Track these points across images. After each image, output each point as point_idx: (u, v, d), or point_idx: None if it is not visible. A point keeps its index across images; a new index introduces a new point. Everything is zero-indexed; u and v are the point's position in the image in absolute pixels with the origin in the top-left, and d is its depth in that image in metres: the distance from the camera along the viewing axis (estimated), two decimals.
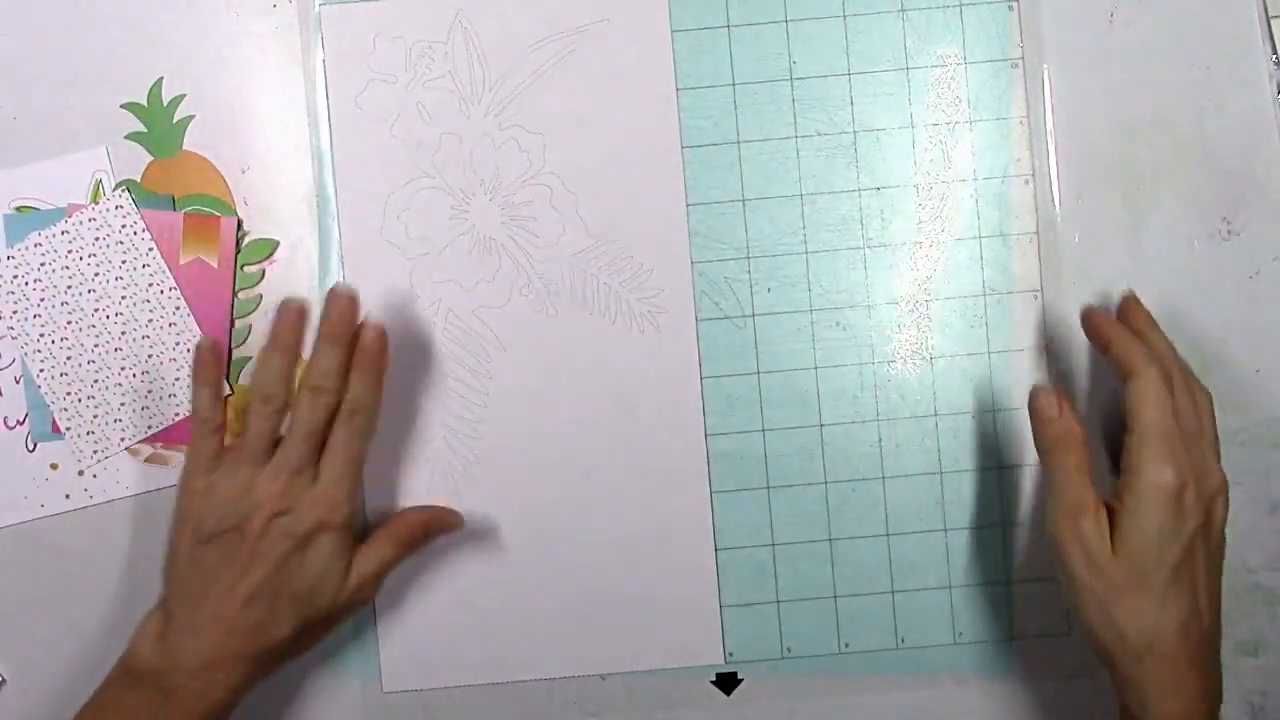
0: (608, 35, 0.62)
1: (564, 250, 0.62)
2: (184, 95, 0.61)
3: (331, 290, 0.56)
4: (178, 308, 0.60)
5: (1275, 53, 0.62)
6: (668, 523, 0.62)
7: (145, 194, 0.61)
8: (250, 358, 0.61)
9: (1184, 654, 0.50)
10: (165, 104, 0.61)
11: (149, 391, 0.61)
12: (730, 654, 0.62)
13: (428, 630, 0.62)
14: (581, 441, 0.62)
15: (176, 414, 0.61)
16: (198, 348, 0.57)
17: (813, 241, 0.62)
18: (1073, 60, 0.62)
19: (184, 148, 0.61)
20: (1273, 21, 0.62)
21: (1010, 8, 0.62)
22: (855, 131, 0.62)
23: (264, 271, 0.61)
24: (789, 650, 0.62)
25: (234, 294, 0.61)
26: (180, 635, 0.54)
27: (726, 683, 0.63)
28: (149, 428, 0.61)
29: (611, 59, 0.62)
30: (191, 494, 0.55)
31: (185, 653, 0.53)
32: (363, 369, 0.55)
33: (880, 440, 0.63)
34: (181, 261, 0.60)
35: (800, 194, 0.62)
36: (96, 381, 0.60)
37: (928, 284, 0.62)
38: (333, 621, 0.57)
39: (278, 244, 0.61)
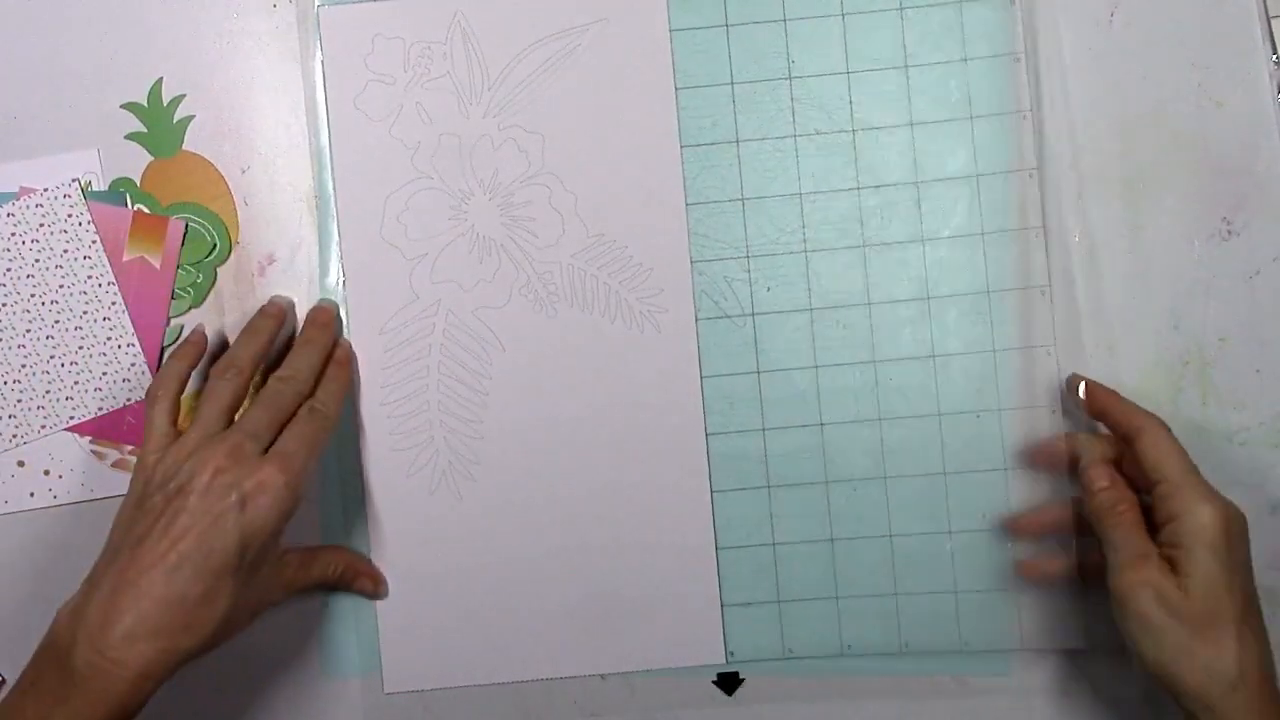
0: (606, 35, 0.62)
1: (563, 250, 0.62)
2: (184, 95, 0.61)
3: (316, 304, 0.60)
4: (114, 303, 0.60)
5: (1275, 52, 0.62)
6: (668, 522, 0.62)
7: (142, 194, 0.61)
8: None
9: (1268, 683, 0.51)
10: (165, 104, 0.61)
11: (75, 382, 0.61)
12: (732, 654, 0.62)
13: (428, 630, 0.62)
14: (581, 441, 0.62)
15: (100, 408, 0.61)
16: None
17: (813, 240, 0.62)
18: (1072, 58, 0.62)
19: (184, 148, 0.61)
20: (1273, 21, 0.62)
21: (1011, 3, 0.62)
22: (854, 130, 0.62)
23: (215, 271, 0.62)
24: (790, 651, 0.62)
25: (172, 295, 0.61)
26: (97, 606, 0.49)
27: (728, 683, 0.63)
28: (70, 418, 0.61)
29: (610, 58, 0.62)
30: (144, 465, 0.54)
31: (97, 626, 0.48)
32: (332, 379, 0.58)
33: (882, 440, 0.62)
34: (125, 258, 0.60)
35: (800, 193, 0.62)
36: (24, 366, 0.61)
37: (929, 281, 0.62)
38: (256, 601, 0.54)
39: (215, 245, 0.61)
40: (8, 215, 0.60)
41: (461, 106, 0.62)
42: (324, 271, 0.62)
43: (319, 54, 0.62)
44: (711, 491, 0.62)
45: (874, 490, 0.62)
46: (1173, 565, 0.52)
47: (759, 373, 0.63)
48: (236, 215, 0.61)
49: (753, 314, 0.63)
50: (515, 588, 0.62)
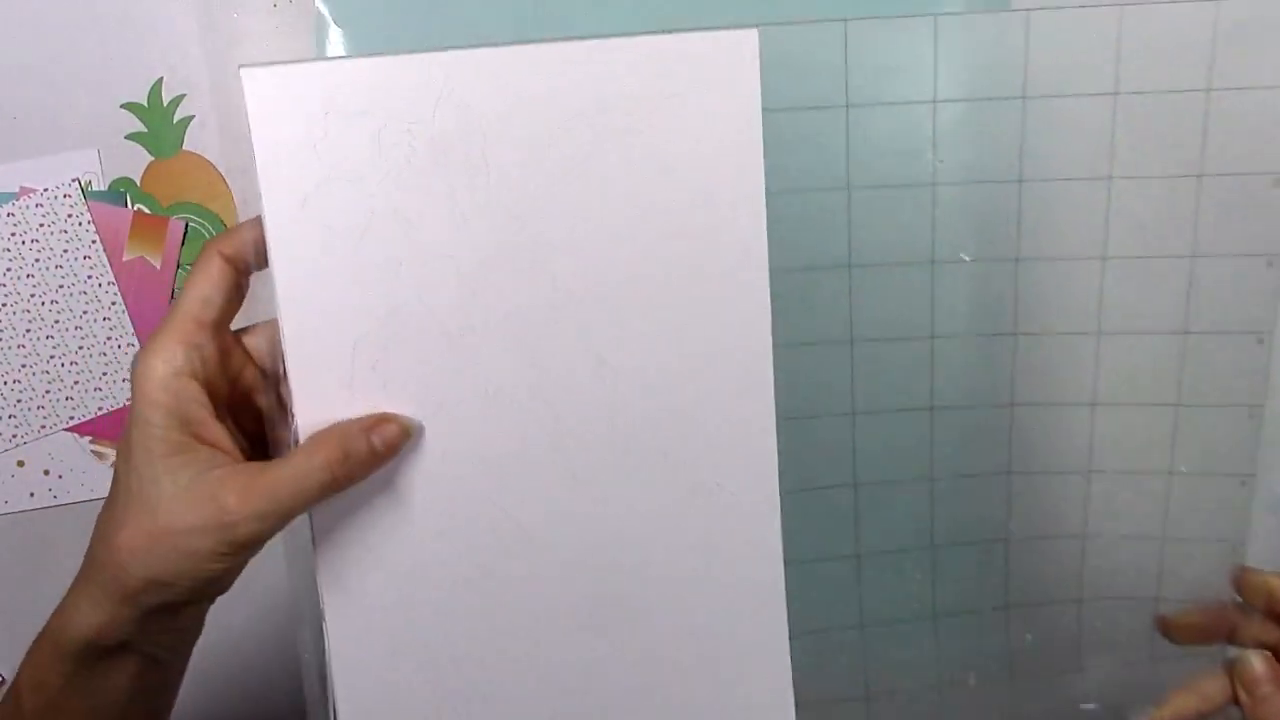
0: (670, 114, 0.42)
1: (603, 408, 0.45)
2: (184, 95, 0.60)
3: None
4: (114, 303, 0.60)
5: None
6: None
7: (142, 194, 0.60)
8: None
9: None
10: (165, 104, 0.60)
11: (75, 382, 0.61)
12: None
13: None
14: (628, 665, 0.48)
15: (100, 408, 0.61)
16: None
17: (942, 393, 0.46)
18: None
19: (184, 148, 0.60)
20: None
21: None
22: (1019, 259, 0.44)
23: None
24: None
25: (172, 295, 0.60)
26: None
27: None
28: (70, 418, 0.61)
29: (674, 149, 0.43)
30: None
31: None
32: None
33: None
34: (125, 258, 0.60)
35: (931, 335, 0.45)
36: (24, 366, 0.61)
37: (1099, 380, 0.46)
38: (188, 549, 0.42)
39: None
40: (8, 215, 0.60)
41: (458, 213, 0.43)
42: None
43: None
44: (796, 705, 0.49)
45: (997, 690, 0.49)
46: None
47: (859, 556, 0.48)
48: (236, 215, 0.60)
49: (854, 484, 0.47)
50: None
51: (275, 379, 0.45)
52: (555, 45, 0.43)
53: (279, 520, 0.42)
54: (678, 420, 0.46)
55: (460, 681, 0.48)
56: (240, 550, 0.42)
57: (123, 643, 0.44)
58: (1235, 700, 0.51)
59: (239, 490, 0.42)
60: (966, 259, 0.45)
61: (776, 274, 0.44)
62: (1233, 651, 0.51)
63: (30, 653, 0.45)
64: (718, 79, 0.43)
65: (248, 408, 0.47)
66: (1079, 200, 0.45)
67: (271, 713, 0.64)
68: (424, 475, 0.46)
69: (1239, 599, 0.50)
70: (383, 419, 0.44)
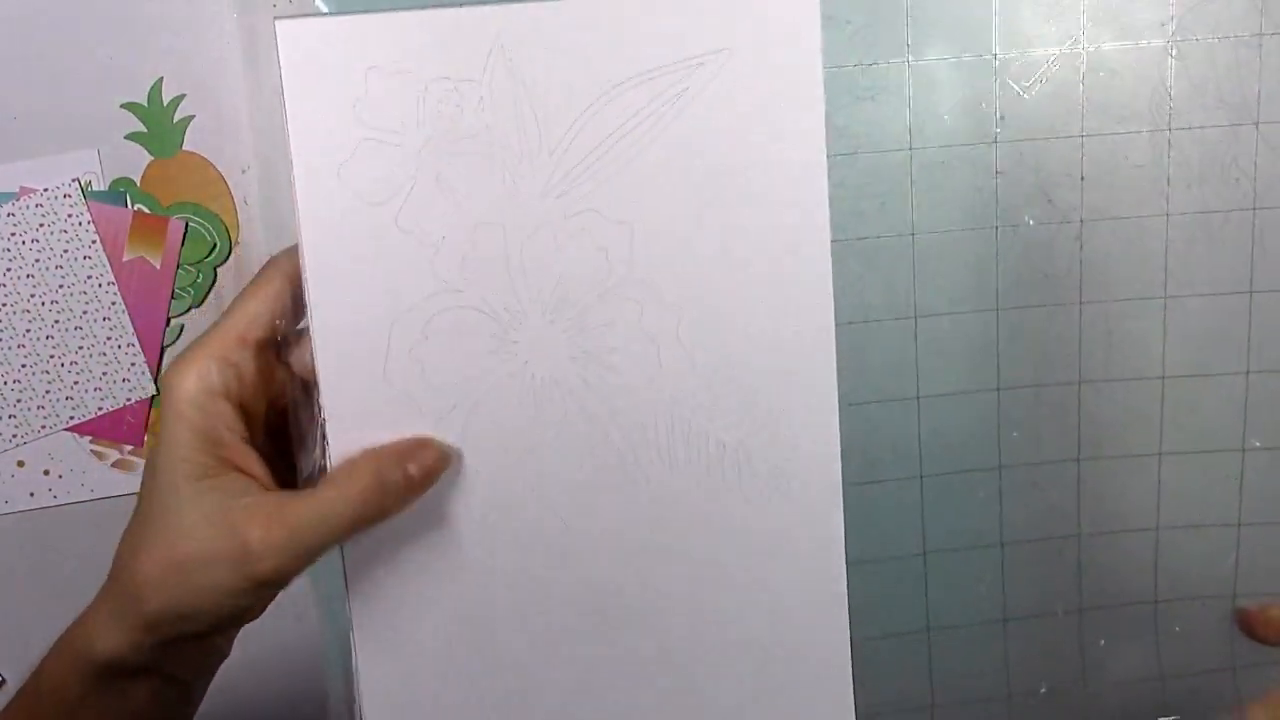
0: (727, 74, 0.40)
1: (660, 394, 0.42)
2: (184, 95, 0.60)
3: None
4: (114, 303, 0.60)
5: None
6: None
7: (142, 194, 0.60)
8: None
9: None
10: (165, 104, 0.60)
11: (75, 382, 0.61)
12: None
13: None
14: (682, 657, 0.43)
15: (100, 408, 0.61)
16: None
17: (1009, 374, 0.43)
18: None
19: (184, 148, 0.60)
20: None
21: None
22: (1082, 220, 0.42)
23: (215, 271, 0.60)
24: None
25: (172, 295, 0.60)
26: None
27: None
28: (70, 418, 0.61)
29: (732, 110, 0.41)
30: None
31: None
32: None
33: (1081, 635, 0.46)
34: (125, 258, 0.60)
35: (996, 308, 0.43)
36: (24, 366, 0.60)
37: (1165, 431, 0.44)
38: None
39: (215, 245, 0.60)
40: (8, 215, 0.60)
41: (508, 181, 0.40)
42: None
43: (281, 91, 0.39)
44: (858, 709, 0.45)
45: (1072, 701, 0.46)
46: None
47: (925, 554, 0.44)
48: (236, 215, 0.60)
49: (920, 475, 0.44)
50: None
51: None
52: None
53: (304, 558, 0.39)
54: (738, 405, 0.43)
55: (499, 683, 0.43)
56: (262, 587, 0.39)
57: (143, 667, 0.40)
58: None
59: (263, 523, 0.39)
60: (1030, 222, 0.44)
61: (838, 246, 0.42)
62: None
63: (50, 657, 0.42)
64: (777, 33, 0.41)
65: (285, 428, 0.43)
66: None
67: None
68: (463, 468, 0.42)
69: None
70: (420, 444, 0.41)
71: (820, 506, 0.44)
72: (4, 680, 0.63)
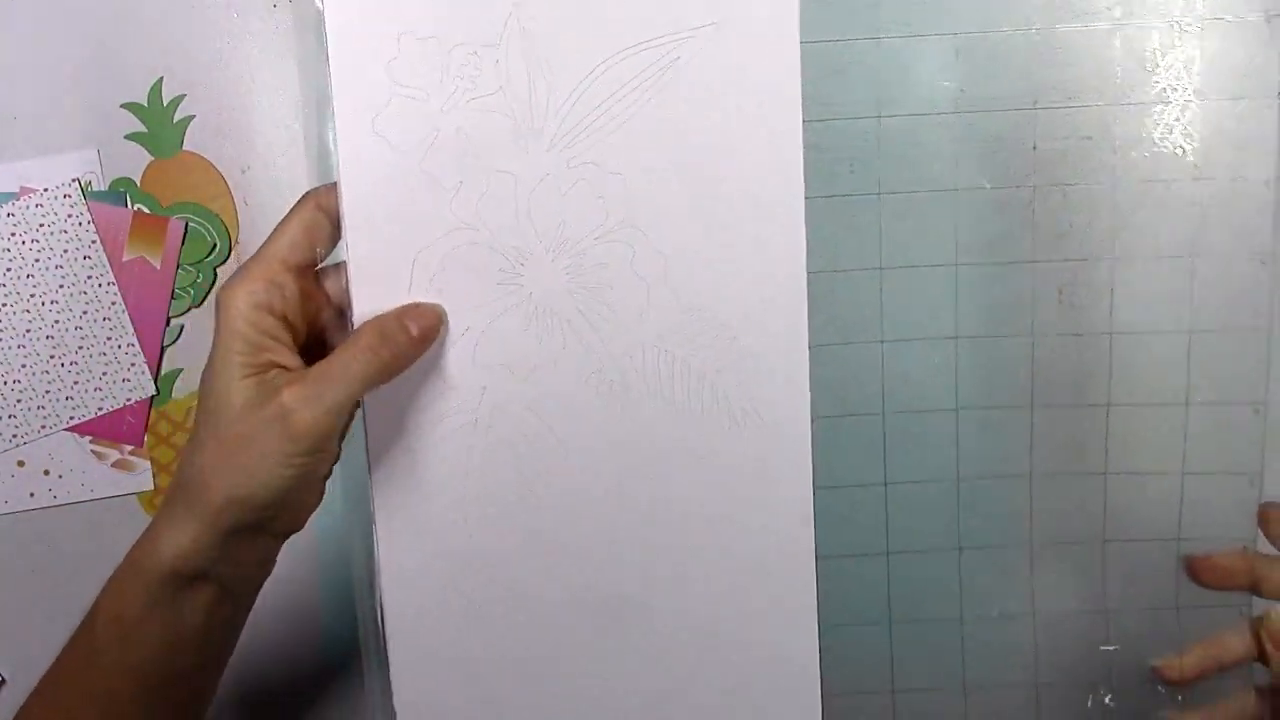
0: (714, 46, 0.46)
1: (648, 328, 0.48)
2: (184, 95, 0.60)
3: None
4: (114, 303, 0.60)
5: None
6: (770, 664, 0.50)
7: (142, 194, 0.60)
8: (181, 370, 0.61)
9: None
10: (165, 104, 0.60)
11: (75, 382, 0.61)
12: None
13: None
14: (662, 570, 0.49)
15: (100, 408, 0.61)
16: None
17: (966, 325, 0.48)
18: None
19: (184, 148, 0.60)
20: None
21: None
22: (1034, 186, 0.47)
23: (215, 271, 0.61)
24: None
25: (172, 295, 0.60)
26: None
27: None
28: (70, 418, 0.61)
29: (718, 77, 0.46)
30: None
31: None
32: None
33: (1031, 565, 0.50)
34: (125, 258, 0.60)
35: (955, 263, 0.47)
36: (24, 366, 0.60)
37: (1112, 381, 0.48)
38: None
39: (215, 245, 0.60)
40: (8, 215, 0.60)
41: (519, 135, 0.46)
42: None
43: (323, 55, 0.45)
44: (820, 626, 0.50)
45: (1021, 628, 0.50)
46: None
47: (887, 484, 0.49)
48: (236, 215, 0.61)
49: (883, 413, 0.49)
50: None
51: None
52: None
53: (332, 409, 0.44)
54: (716, 340, 0.48)
55: (500, 592, 0.49)
56: (301, 445, 0.44)
57: (202, 571, 0.45)
58: (1260, 656, 0.52)
59: (293, 385, 0.44)
60: (988, 185, 0.48)
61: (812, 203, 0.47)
62: (1259, 606, 0.52)
63: (109, 584, 0.46)
64: (760, 11, 0.47)
65: (322, 349, 0.49)
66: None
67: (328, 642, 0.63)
68: (473, 386, 0.48)
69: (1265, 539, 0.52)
70: (415, 306, 0.47)
71: (790, 435, 0.49)
72: (4, 680, 0.62)
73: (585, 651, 0.50)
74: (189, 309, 0.61)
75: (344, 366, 0.44)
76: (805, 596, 0.50)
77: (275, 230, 0.47)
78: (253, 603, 0.49)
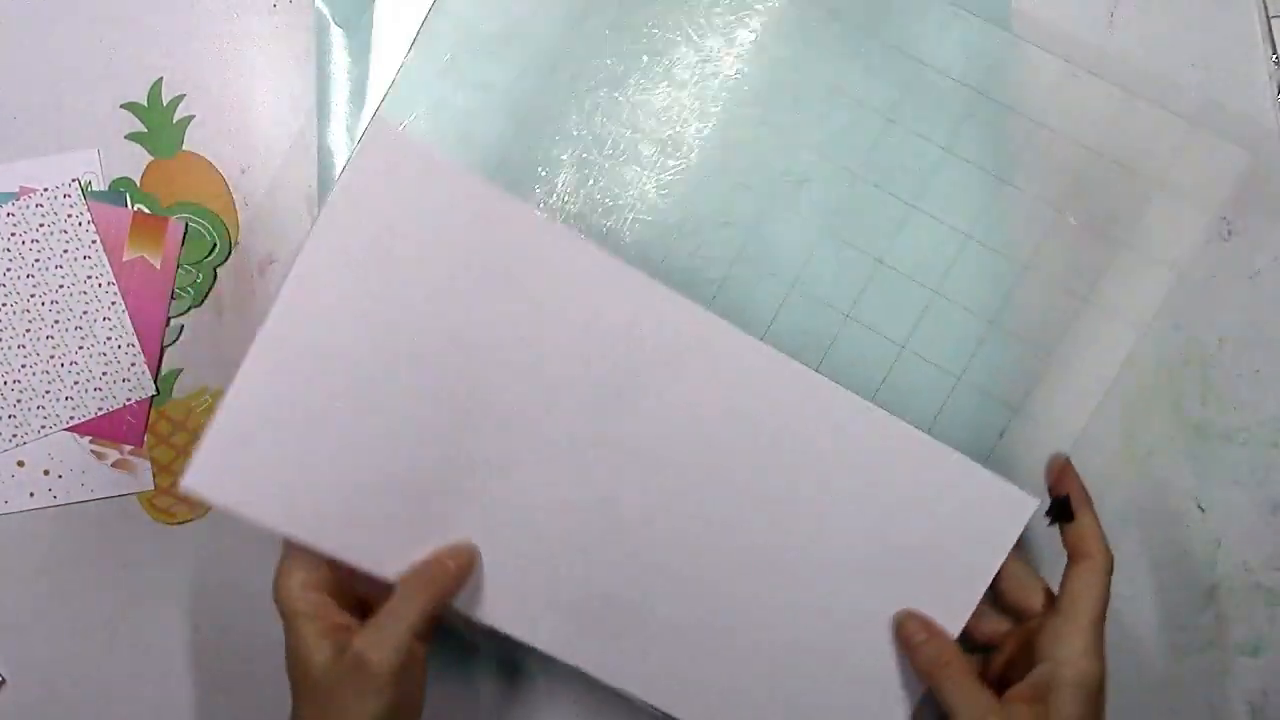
0: (920, 511, 0.53)
1: None
2: (184, 95, 0.60)
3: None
4: (114, 303, 0.60)
5: (1275, 53, 0.61)
6: None
7: (142, 194, 0.60)
8: (181, 369, 0.61)
9: None
10: (165, 104, 0.60)
11: (75, 382, 0.60)
12: None
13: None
14: None
15: (100, 408, 0.61)
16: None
17: None
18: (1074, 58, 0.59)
19: (184, 148, 0.60)
20: (1273, 21, 0.61)
21: None
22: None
23: (215, 271, 0.61)
24: None
25: (172, 295, 0.60)
26: None
27: None
28: (70, 418, 0.61)
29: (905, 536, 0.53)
30: None
31: None
32: None
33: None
34: (125, 258, 0.60)
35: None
36: (24, 366, 0.61)
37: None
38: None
39: (215, 245, 0.60)
40: (8, 215, 0.60)
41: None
42: None
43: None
44: None
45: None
46: (1032, 701, 0.49)
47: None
48: (236, 215, 0.61)
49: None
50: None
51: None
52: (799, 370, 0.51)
53: (400, 646, 0.48)
54: None
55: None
56: (379, 682, 0.48)
57: None
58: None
59: (361, 632, 0.49)
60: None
61: None
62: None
63: None
64: (977, 519, 0.51)
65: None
66: None
67: None
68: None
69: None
70: (453, 548, 0.51)
71: None
72: (4, 680, 0.61)
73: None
74: (189, 309, 0.61)
75: (399, 608, 0.49)
76: None
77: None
78: None
